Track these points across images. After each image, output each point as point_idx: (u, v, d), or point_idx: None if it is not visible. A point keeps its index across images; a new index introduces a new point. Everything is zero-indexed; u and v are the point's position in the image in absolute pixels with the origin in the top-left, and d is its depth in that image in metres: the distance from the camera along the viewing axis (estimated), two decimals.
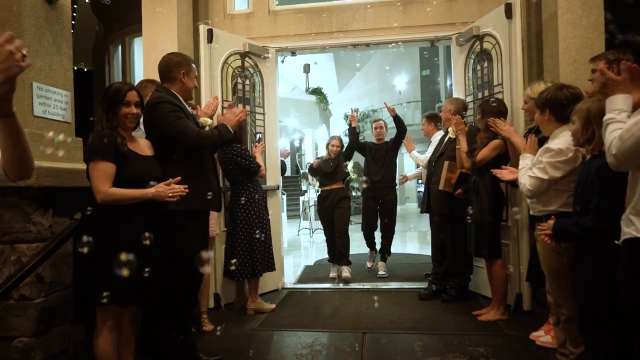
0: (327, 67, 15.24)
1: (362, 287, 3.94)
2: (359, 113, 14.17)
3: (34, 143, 1.89)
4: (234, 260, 3.11)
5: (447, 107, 3.44)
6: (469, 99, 3.70)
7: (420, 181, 15.62)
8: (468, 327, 2.84)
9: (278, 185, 3.96)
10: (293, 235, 8.44)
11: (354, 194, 11.99)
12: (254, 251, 3.20)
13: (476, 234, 2.95)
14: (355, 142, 4.45)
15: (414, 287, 3.86)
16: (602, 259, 1.66)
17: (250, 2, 4.12)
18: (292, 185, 12.41)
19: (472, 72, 3.69)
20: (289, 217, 10.37)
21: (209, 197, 2.22)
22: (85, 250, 1.67)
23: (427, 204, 3.61)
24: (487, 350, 2.44)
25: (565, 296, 2.01)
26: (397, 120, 4.34)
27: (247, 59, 3.79)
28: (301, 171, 12.25)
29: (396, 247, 5.72)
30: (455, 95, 3.81)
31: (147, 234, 1.82)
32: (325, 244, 4.58)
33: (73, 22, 2.41)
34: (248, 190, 3.23)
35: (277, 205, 3.97)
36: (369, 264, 4.59)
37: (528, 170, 2.11)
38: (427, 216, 3.89)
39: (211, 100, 2.90)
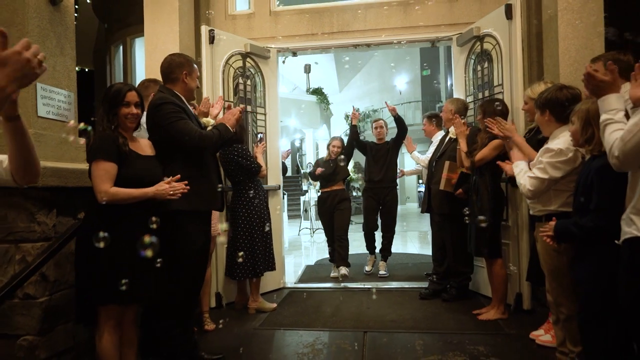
0: (327, 67, 15.25)
1: (362, 286, 3.96)
2: (359, 113, 14.16)
3: (37, 144, 1.91)
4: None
5: (448, 107, 3.46)
6: (470, 99, 3.72)
7: (420, 181, 15.65)
8: (468, 326, 2.85)
9: (279, 185, 3.98)
10: (294, 235, 8.47)
11: (354, 193, 12.00)
12: (255, 251, 3.22)
13: (476, 234, 2.97)
14: (356, 140, 4.44)
15: (415, 286, 3.88)
16: (601, 258, 1.67)
17: (251, 2, 4.14)
18: (292, 185, 12.42)
19: (473, 73, 3.70)
20: (289, 217, 10.38)
21: (219, 189, 2.29)
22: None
23: (427, 203, 3.63)
24: (487, 349, 2.45)
25: (565, 295, 2.02)
26: (398, 120, 4.33)
27: (248, 59, 3.80)
28: (302, 171, 12.25)
29: (397, 247, 5.73)
30: (455, 96, 3.83)
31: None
32: (326, 244, 4.59)
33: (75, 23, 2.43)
34: (249, 190, 3.25)
35: (278, 205, 3.99)
36: (367, 268, 4.49)
37: (528, 171, 2.13)
38: (427, 216, 3.90)
39: (206, 97, 2.93)
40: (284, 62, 4.41)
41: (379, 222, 4.49)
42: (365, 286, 3.95)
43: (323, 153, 5.04)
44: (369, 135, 4.86)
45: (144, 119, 2.24)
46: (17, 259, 1.93)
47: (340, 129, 14.54)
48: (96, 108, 2.08)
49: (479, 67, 3.62)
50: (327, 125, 15.26)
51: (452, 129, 3.38)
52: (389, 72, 16.82)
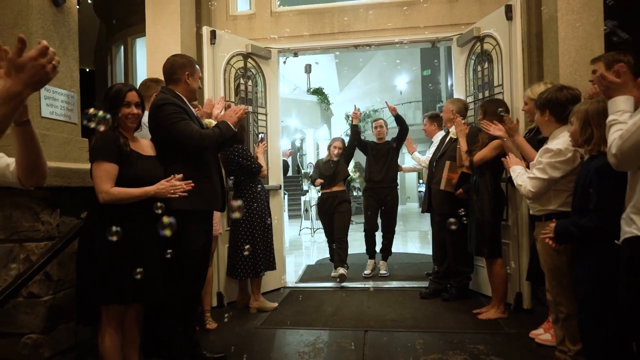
0: (328, 67, 15.27)
1: (363, 286, 3.97)
2: (360, 112, 14.17)
3: (41, 144, 1.93)
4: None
5: (449, 107, 3.47)
6: (470, 99, 3.73)
7: (421, 181, 15.66)
8: (468, 325, 2.87)
9: (280, 185, 3.99)
10: (294, 235, 8.48)
11: (354, 193, 12.01)
12: (256, 250, 3.24)
13: (477, 233, 2.98)
14: (357, 140, 4.43)
15: (415, 286, 3.89)
16: (601, 258, 1.68)
17: (252, 3, 4.15)
18: (293, 185, 12.44)
19: (473, 73, 3.72)
20: (290, 216, 10.40)
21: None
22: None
23: (428, 203, 3.64)
24: (487, 348, 2.47)
25: (565, 294, 2.04)
26: (399, 119, 4.33)
27: (249, 60, 3.82)
28: (302, 171, 12.27)
29: (397, 247, 5.75)
30: (456, 96, 3.84)
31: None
32: (327, 244, 4.59)
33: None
34: (250, 190, 3.27)
35: (279, 205, 4.01)
36: (366, 271, 4.36)
37: (525, 173, 2.14)
38: (428, 216, 3.91)
39: (210, 98, 2.94)
40: (284, 62, 4.41)
41: (379, 222, 4.48)
42: (366, 286, 3.97)
43: (323, 153, 5.03)
44: (369, 135, 4.85)
45: (145, 119, 2.26)
46: (21, 258, 1.95)
47: (341, 129, 14.57)
48: (97, 108, 2.09)
49: (479, 68, 3.63)
50: (328, 125, 15.28)
51: (452, 129, 3.40)
52: (390, 72, 16.83)
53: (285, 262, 4.22)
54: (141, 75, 5.45)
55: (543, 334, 2.55)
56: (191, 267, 2.22)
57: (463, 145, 3.11)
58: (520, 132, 2.89)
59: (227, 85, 3.64)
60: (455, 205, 3.27)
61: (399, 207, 4.66)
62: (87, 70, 6.77)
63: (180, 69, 2.27)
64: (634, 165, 1.40)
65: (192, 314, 2.38)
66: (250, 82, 3.83)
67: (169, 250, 1.90)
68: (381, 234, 4.43)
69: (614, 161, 1.40)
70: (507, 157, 2.41)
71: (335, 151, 4.35)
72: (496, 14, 3.35)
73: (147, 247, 1.92)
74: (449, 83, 13.12)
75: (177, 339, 2.22)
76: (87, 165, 2.13)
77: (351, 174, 9.17)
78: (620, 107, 1.45)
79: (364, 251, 4.54)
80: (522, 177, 2.15)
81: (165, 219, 1.77)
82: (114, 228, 1.72)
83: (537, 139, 2.50)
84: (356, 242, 5.53)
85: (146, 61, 3.71)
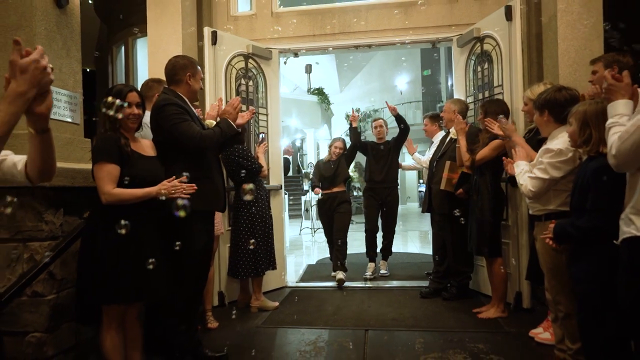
0: (328, 67, 15.29)
1: (363, 285, 3.99)
2: (360, 113, 14.20)
3: None
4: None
5: (451, 107, 3.46)
6: (470, 99, 3.75)
7: (421, 181, 15.66)
8: (468, 324, 2.89)
9: (281, 185, 4.01)
10: (295, 235, 8.50)
11: (355, 193, 12.02)
12: (257, 250, 3.25)
13: (477, 233, 3.00)
14: (358, 142, 4.40)
15: (415, 285, 3.90)
16: (599, 258, 1.69)
17: (253, 4, 4.16)
18: (293, 185, 12.46)
19: (473, 73, 3.73)
20: (290, 216, 10.43)
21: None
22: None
23: (428, 203, 3.65)
24: (487, 346, 2.48)
25: (564, 293, 2.05)
26: (399, 119, 4.30)
27: (250, 60, 3.84)
28: (303, 171, 12.29)
29: (397, 247, 5.76)
30: (456, 96, 3.86)
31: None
32: (327, 244, 4.60)
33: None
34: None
35: (280, 204, 4.02)
36: (368, 273, 4.22)
37: (528, 172, 2.15)
38: (428, 216, 3.93)
39: (215, 103, 2.94)
40: (285, 62, 4.43)
41: (379, 222, 4.45)
42: (366, 285, 3.98)
43: (324, 153, 5.02)
44: (369, 135, 4.83)
45: (147, 119, 2.27)
46: (25, 257, 1.96)
47: (341, 129, 14.58)
48: (97, 109, 2.12)
49: (479, 68, 3.65)
50: (328, 125, 15.30)
51: (452, 129, 3.41)
52: (390, 72, 16.85)
53: (286, 261, 4.24)
54: (142, 76, 5.47)
55: (542, 333, 2.56)
56: (193, 266, 2.24)
57: (463, 144, 3.12)
58: (519, 133, 2.92)
59: (228, 85, 3.66)
60: (455, 205, 3.29)
61: (399, 207, 4.65)
62: (88, 70, 6.79)
63: (182, 70, 2.28)
64: (634, 166, 1.41)
65: (194, 313, 2.39)
66: (251, 83, 3.85)
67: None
68: (381, 234, 4.43)
69: (613, 162, 1.41)
70: (513, 154, 2.40)
71: (336, 151, 4.32)
72: (496, 14, 3.36)
73: (149, 247, 1.93)
74: (449, 83, 13.14)
75: (179, 338, 2.23)
76: (90, 166, 2.15)
77: (351, 174, 9.18)
78: (619, 110, 1.47)
79: (364, 251, 4.52)
80: (524, 176, 2.16)
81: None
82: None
83: (536, 139, 2.51)
84: (356, 242, 5.55)
85: (147, 61, 3.72)
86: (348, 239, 4.25)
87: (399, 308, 3.27)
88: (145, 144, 2.11)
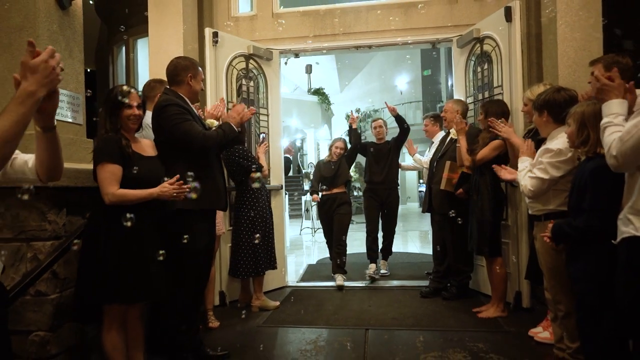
0: (328, 67, 15.31)
1: (364, 285, 4.01)
2: (360, 113, 14.21)
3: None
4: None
5: (454, 107, 3.46)
6: (470, 100, 3.76)
7: (421, 181, 15.67)
8: (468, 323, 2.90)
9: (282, 185, 4.02)
10: (295, 235, 8.52)
11: (355, 193, 12.03)
12: (257, 250, 3.27)
13: (477, 233, 3.02)
14: (358, 144, 4.39)
15: (415, 285, 3.92)
16: (596, 257, 1.71)
17: (254, 4, 4.18)
18: (294, 185, 12.48)
19: (473, 74, 3.75)
20: (291, 216, 10.45)
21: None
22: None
23: (428, 203, 3.67)
24: (486, 345, 2.50)
25: (563, 293, 2.07)
26: (399, 119, 4.28)
27: (251, 61, 3.85)
28: (303, 171, 12.31)
29: (397, 247, 5.78)
30: (456, 96, 3.87)
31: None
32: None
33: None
34: (252, 190, 3.30)
35: (281, 204, 4.03)
36: (371, 271, 4.17)
37: (528, 172, 2.17)
38: (428, 215, 3.94)
39: (217, 103, 2.96)
40: (286, 63, 4.44)
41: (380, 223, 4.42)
42: (367, 285, 4.00)
43: (324, 153, 5.02)
44: (370, 135, 4.82)
45: (148, 120, 2.29)
46: (28, 256, 1.98)
47: (341, 129, 14.59)
48: (97, 109, 2.15)
49: (479, 69, 3.66)
50: (328, 125, 15.32)
51: (452, 130, 3.42)
52: (390, 72, 16.86)
53: (287, 261, 4.25)
54: (142, 76, 5.48)
55: (542, 332, 2.58)
56: (194, 266, 2.25)
57: (463, 144, 3.14)
58: (519, 133, 2.93)
59: (229, 86, 3.67)
60: (455, 205, 3.30)
61: (399, 207, 4.66)
62: (89, 70, 6.80)
63: (183, 71, 2.30)
64: (633, 167, 1.42)
65: (196, 312, 2.41)
66: (252, 83, 3.86)
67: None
68: (381, 234, 4.42)
69: (613, 163, 1.41)
70: (513, 154, 2.41)
71: (337, 151, 4.28)
72: (496, 15, 3.38)
73: (150, 247, 1.94)
74: (450, 83, 13.15)
75: (181, 338, 2.25)
76: (92, 166, 2.16)
77: (351, 173, 9.16)
78: (614, 110, 1.48)
79: (364, 251, 4.50)
80: (524, 176, 2.18)
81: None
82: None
83: (536, 140, 2.52)
84: (356, 242, 5.56)
85: (148, 62, 3.74)
86: (348, 239, 4.24)
87: (399, 307, 3.29)
88: (145, 143, 2.12)
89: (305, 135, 15.10)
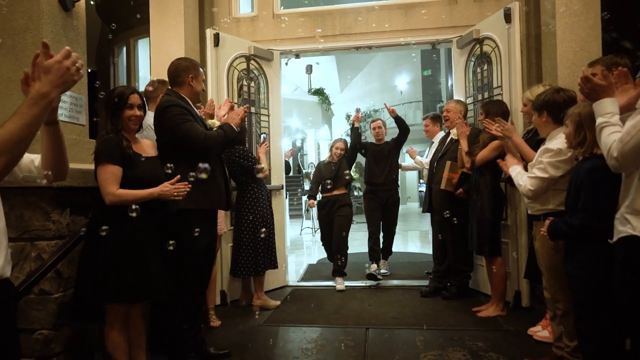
0: (329, 68, 15.32)
1: (364, 284, 4.02)
2: (361, 113, 14.20)
3: None
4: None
5: (457, 107, 3.47)
6: (469, 100, 3.78)
7: (422, 181, 15.67)
8: (468, 322, 2.92)
9: (282, 185, 4.04)
10: (295, 235, 8.54)
11: (355, 193, 12.04)
12: (257, 250, 3.29)
13: (477, 232, 3.03)
14: (358, 142, 4.37)
15: (416, 284, 3.94)
16: (593, 256, 1.72)
17: (255, 5, 4.20)
18: (294, 185, 12.49)
19: (473, 75, 3.77)
20: (291, 216, 10.46)
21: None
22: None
23: (428, 203, 3.68)
24: (486, 344, 2.52)
25: (562, 292, 2.08)
26: (399, 120, 4.27)
27: (252, 61, 3.87)
28: (303, 171, 12.32)
29: (397, 246, 5.79)
30: (455, 97, 3.89)
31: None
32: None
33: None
34: (253, 190, 3.32)
35: (281, 205, 4.05)
36: (371, 269, 4.10)
37: (525, 173, 2.19)
38: (428, 215, 3.96)
39: (224, 103, 2.98)
40: (286, 63, 4.46)
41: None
42: (367, 284, 4.02)
43: (324, 153, 5.02)
44: (369, 136, 4.82)
45: (148, 121, 2.31)
46: (32, 256, 2.00)
47: (342, 129, 14.61)
48: (98, 109, 2.17)
49: (478, 69, 3.68)
50: (329, 126, 15.33)
51: (453, 130, 3.44)
52: (390, 72, 16.88)
53: (287, 261, 4.26)
54: (143, 76, 5.50)
55: (541, 331, 2.60)
56: (194, 266, 2.27)
57: (464, 146, 3.16)
58: (518, 133, 2.95)
59: (230, 86, 3.69)
60: (455, 205, 3.32)
61: (400, 207, 4.67)
62: (89, 70, 6.81)
63: (185, 72, 2.32)
64: (633, 167, 1.42)
65: (197, 311, 2.43)
66: (252, 84, 3.88)
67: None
68: (381, 234, 4.43)
69: (614, 163, 1.42)
70: (505, 158, 2.45)
71: (337, 152, 4.23)
72: (495, 16, 3.40)
73: (151, 247, 1.96)
74: (450, 83, 13.16)
75: (183, 337, 2.26)
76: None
77: (352, 173, 9.15)
78: (608, 109, 1.48)
79: (364, 251, 4.48)
80: (523, 177, 2.20)
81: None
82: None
83: (535, 140, 2.54)
84: (356, 242, 5.58)
85: (150, 63, 3.76)
86: (348, 239, 4.20)
87: (399, 307, 3.31)
88: (145, 144, 2.14)
89: (306, 136, 15.11)
